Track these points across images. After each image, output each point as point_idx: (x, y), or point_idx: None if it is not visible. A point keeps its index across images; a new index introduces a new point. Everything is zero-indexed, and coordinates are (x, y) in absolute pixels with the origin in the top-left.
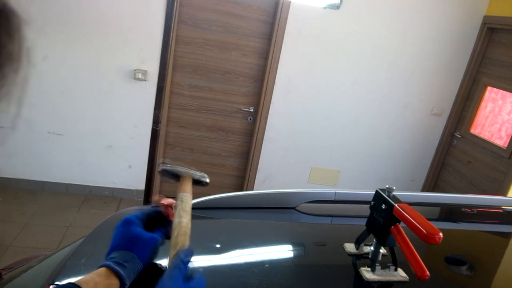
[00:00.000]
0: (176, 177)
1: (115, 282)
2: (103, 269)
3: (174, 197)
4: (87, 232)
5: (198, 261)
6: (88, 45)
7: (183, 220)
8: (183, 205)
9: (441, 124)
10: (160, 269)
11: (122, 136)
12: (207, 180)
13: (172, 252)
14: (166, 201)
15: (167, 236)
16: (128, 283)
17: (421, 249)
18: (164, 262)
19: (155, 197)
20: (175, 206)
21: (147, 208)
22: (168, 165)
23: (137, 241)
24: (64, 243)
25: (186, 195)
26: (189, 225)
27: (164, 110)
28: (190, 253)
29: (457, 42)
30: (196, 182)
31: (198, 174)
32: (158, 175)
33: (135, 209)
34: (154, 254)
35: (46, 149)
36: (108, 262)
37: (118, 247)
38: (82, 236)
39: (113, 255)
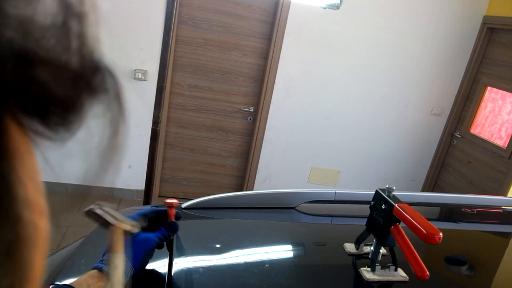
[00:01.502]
0: (105, 224)
1: None
2: (95, 272)
3: (175, 197)
4: (87, 232)
5: (199, 261)
6: None
7: (116, 279)
8: (116, 258)
9: (441, 124)
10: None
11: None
12: (136, 231)
13: None
14: (169, 201)
15: (168, 236)
16: None
17: (421, 249)
18: (162, 263)
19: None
20: (108, 274)
21: (145, 208)
22: (100, 209)
23: (130, 242)
24: (64, 243)
25: (119, 258)
26: (122, 279)
27: (164, 110)
28: None
29: (457, 42)
30: (125, 233)
31: (129, 223)
32: (85, 215)
33: (134, 209)
34: (149, 255)
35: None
36: (100, 265)
37: None
38: (82, 236)
39: (106, 256)
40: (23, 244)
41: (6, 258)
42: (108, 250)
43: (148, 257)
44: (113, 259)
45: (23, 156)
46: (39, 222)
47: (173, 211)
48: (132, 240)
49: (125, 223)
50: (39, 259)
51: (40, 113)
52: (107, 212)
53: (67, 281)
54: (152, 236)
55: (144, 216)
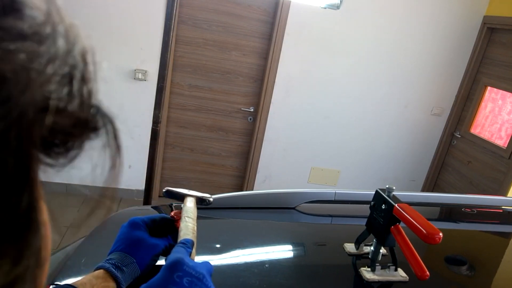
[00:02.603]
0: (180, 197)
1: (112, 285)
2: (101, 271)
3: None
4: (87, 232)
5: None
6: (87, 45)
7: (188, 225)
8: (188, 213)
9: (441, 124)
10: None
11: (122, 136)
12: (211, 199)
13: None
14: (177, 213)
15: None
16: (124, 287)
17: (421, 249)
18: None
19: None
20: (181, 215)
21: (155, 214)
22: (172, 188)
23: (139, 245)
24: (64, 243)
25: (190, 207)
26: (195, 228)
27: (164, 110)
28: (191, 241)
29: (457, 42)
30: (200, 201)
31: (201, 194)
32: (162, 194)
33: (136, 209)
34: (154, 260)
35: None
36: (106, 265)
37: (119, 249)
38: (82, 236)
39: (112, 256)
40: (42, 249)
41: (36, 258)
42: (183, 205)
43: (153, 262)
44: (186, 208)
45: (38, 185)
46: (48, 234)
47: (180, 223)
48: (142, 244)
49: (198, 193)
50: (48, 257)
51: (47, 148)
52: (179, 189)
53: (67, 281)
54: (160, 242)
55: (153, 221)
